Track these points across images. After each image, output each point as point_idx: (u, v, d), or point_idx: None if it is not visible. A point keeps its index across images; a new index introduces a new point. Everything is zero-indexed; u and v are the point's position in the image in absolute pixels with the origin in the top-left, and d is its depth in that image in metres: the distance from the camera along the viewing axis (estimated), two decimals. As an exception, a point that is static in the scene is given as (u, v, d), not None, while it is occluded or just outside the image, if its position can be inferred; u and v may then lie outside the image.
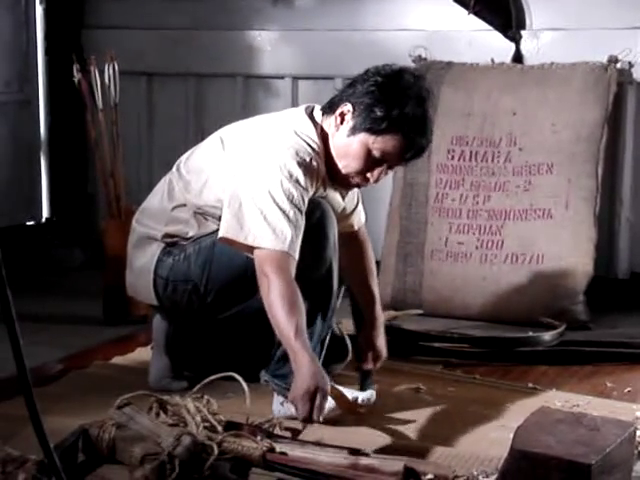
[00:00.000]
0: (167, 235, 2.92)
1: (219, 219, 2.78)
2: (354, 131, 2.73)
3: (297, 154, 2.70)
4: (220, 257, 2.82)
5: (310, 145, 2.75)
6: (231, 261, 2.79)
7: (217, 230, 2.78)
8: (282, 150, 2.70)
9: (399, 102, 2.68)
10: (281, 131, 2.78)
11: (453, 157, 4.20)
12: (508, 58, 4.36)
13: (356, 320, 3.11)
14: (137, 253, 2.99)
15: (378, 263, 4.20)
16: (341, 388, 2.76)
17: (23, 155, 4.99)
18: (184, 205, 2.90)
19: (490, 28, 4.35)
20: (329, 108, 2.81)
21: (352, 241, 3.09)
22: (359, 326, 3.09)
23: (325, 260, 2.75)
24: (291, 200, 2.64)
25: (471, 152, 4.20)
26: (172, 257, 2.90)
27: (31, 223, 5.08)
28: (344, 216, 3.04)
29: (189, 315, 2.97)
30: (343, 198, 2.98)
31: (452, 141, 4.19)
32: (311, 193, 2.72)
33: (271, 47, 4.81)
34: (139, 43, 4.93)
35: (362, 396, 2.80)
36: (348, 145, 2.74)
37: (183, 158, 3.00)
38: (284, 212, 2.63)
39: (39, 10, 4.98)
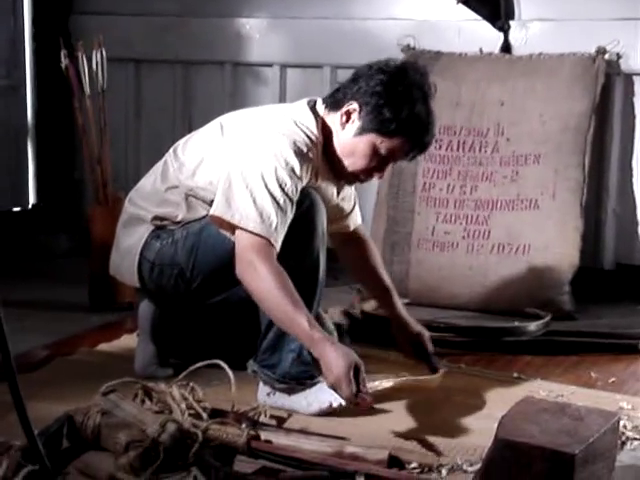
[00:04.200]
0: (157, 217, 2.91)
1: (209, 203, 2.77)
2: (362, 131, 2.74)
3: (295, 143, 2.70)
4: (207, 243, 2.82)
5: (309, 136, 2.74)
6: (218, 247, 2.79)
7: (206, 215, 2.78)
8: (280, 137, 2.70)
9: (407, 102, 2.70)
10: (281, 120, 2.77)
11: (441, 147, 4.20)
12: (496, 48, 4.36)
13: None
14: (125, 233, 2.98)
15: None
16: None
17: (10, 141, 4.97)
18: (176, 187, 2.88)
19: (479, 18, 4.35)
20: (334, 105, 2.80)
21: (352, 240, 3.14)
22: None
23: (313, 250, 2.74)
24: (283, 188, 2.63)
25: (459, 142, 4.20)
26: (160, 241, 2.89)
27: (17, 209, 5.07)
28: (341, 217, 3.07)
29: (175, 300, 2.96)
30: (338, 193, 2.98)
31: (440, 131, 4.16)
32: (304, 184, 2.71)
33: (260, 35, 4.80)
34: (127, 30, 4.92)
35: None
36: (355, 144, 2.76)
37: (181, 141, 3.00)
38: (274, 198, 2.62)
39: (27, -5, 4.96)
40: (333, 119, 2.80)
